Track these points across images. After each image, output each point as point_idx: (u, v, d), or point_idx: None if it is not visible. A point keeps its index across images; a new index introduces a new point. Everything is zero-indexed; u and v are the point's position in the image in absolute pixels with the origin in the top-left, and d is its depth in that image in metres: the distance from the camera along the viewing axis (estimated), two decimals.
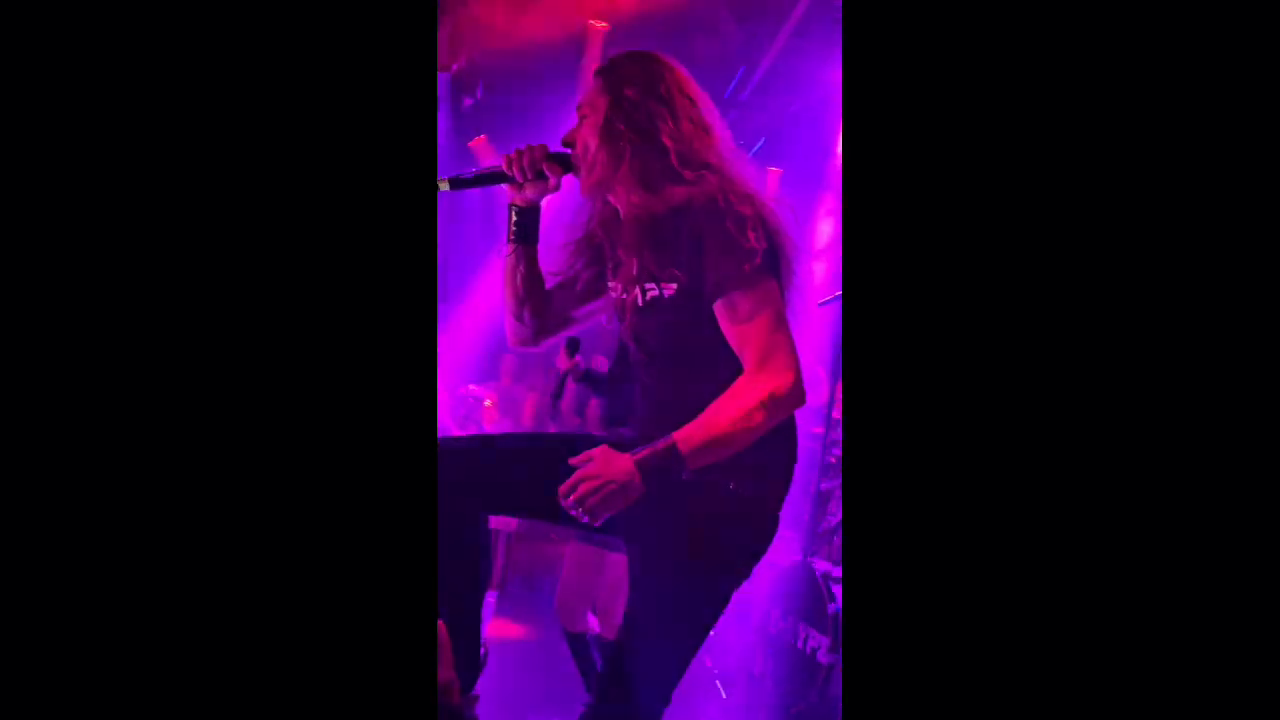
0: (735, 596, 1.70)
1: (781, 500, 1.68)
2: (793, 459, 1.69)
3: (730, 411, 1.53)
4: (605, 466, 1.50)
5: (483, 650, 1.72)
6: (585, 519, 1.50)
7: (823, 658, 3.19)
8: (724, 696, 3.47)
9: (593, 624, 3.02)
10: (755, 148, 6.05)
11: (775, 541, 1.68)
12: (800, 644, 3.32)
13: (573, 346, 2.82)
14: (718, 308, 1.57)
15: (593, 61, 6.48)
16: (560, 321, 1.84)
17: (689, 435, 1.52)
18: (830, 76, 4.91)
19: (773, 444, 1.64)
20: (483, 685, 1.68)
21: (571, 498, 1.49)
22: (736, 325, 1.56)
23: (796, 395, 1.55)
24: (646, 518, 1.64)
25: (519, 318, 1.82)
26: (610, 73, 1.70)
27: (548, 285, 1.82)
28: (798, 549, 3.61)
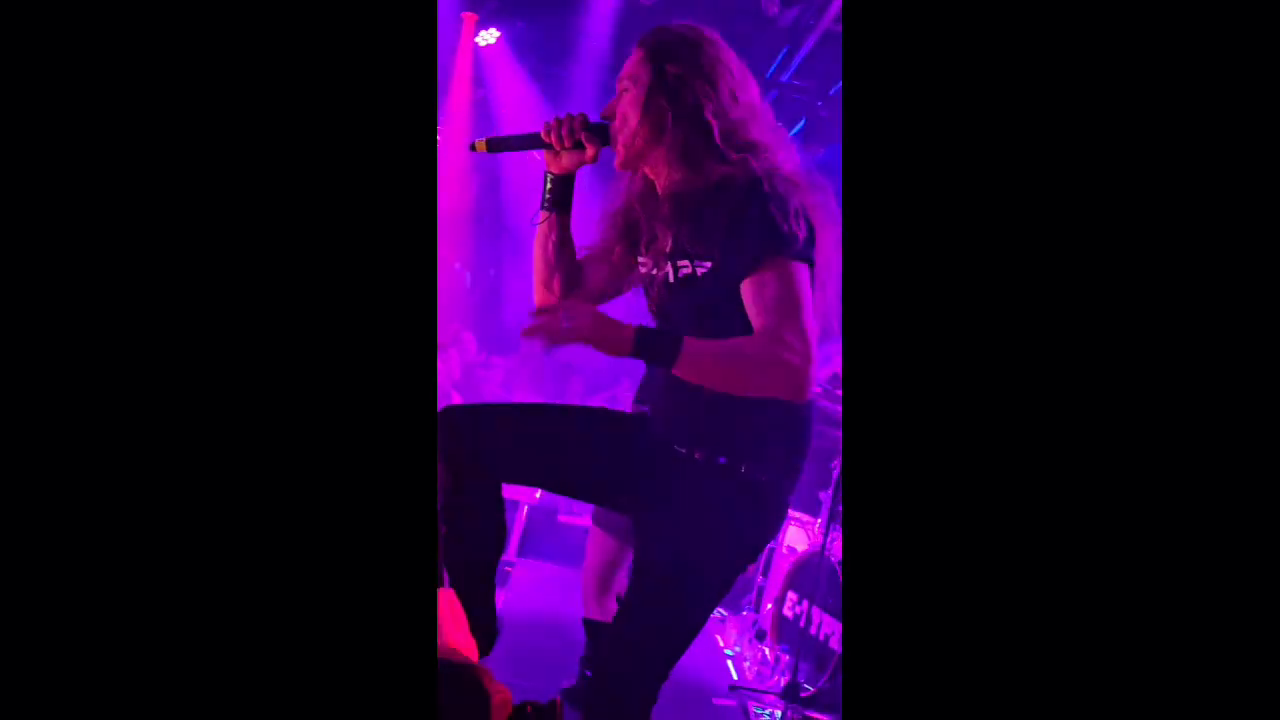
0: (754, 579, 1.70)
1: (793, 487, 1.68)
2: (805, 445, 1.68)
3: (741, 351, 1.50)
4: (570, 317, 1.49)
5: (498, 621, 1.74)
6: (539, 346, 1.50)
7: (836, 645, 3.19)
8: (735, 677, 3.49)
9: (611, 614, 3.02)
10: (796, 129, 6.00)
11: (793, 527, 1.67)
12: (815, 630, 3.33)
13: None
14: (746, 285, 1.54)
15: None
16: (589, 295, 1.84)
17: (695, 344, 1.50)
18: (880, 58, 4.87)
19: (786, 430, 1.64)
20: (494, 656, 1.70)
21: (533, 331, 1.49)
22: (761, 303, 1.52)
23: (797, 385, 1.48)
24: (657, 497, 1.64)
25: (548, 285, 1.82)
26: (654, 46, 1.67)
27: (579, 257, 1.82)
28: (816, 535, 3.61)
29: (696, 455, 1.56)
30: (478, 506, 1.69)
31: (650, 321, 1.77)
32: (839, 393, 3.52)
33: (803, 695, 3.14)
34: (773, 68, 5.70)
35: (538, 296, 1.85)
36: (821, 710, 3.12)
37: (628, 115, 1.66)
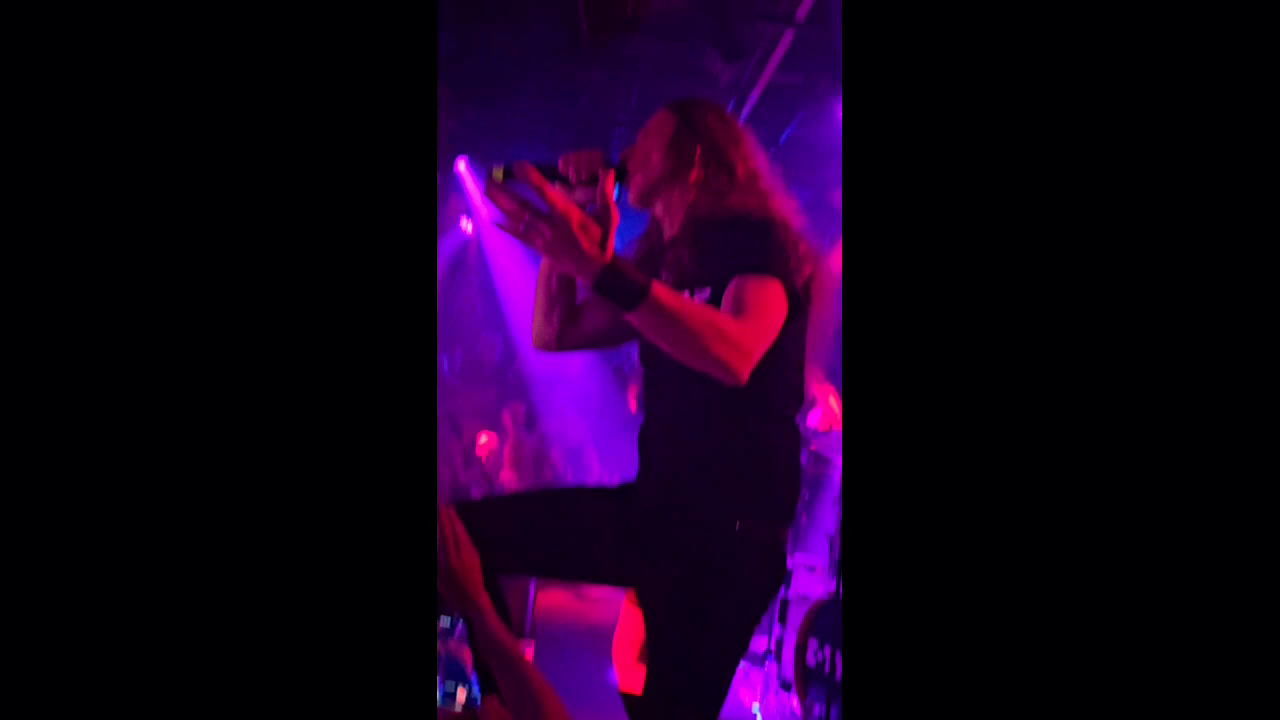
0: (774, 630, 1.69)
1: (787, 533, 1.68)
2: (796, 492, 1.69)
3: (703, 316, 1.48)
4: (550, 219, 1.40)
5: None
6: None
7: None
8: None
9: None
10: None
11: (805, 575, 1.67)
12: (840, 676, 3.29)
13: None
14: (730, 285, 1.56)
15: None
16: (584, 337, 1.85)
17: (663, 291, 1.46)
18: (822, 105, 4.98)
19: (776, 478, 1.65)
20: None
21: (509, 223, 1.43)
22: (733, 295, 1.54)
23: (737, 369, 1.49)
24: (656, 573, 1.64)
25: (547, 317, 1.83)
26: (677, 104, 1.79)
27: (579, 299, 1.84)
28: (829, 579, 3.59)
29: (689, 519, 1.56)
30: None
31: (637, 360, 1.80)
32: (837, 430, 3.53)
33: None
34: None
35: (535, 326, 1.86)
36: None
37: (649, 153, 1.72)
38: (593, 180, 1.69)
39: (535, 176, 1.41)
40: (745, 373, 1.50)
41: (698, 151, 1.72)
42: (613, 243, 1.43)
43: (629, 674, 2.93)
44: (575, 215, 1.39)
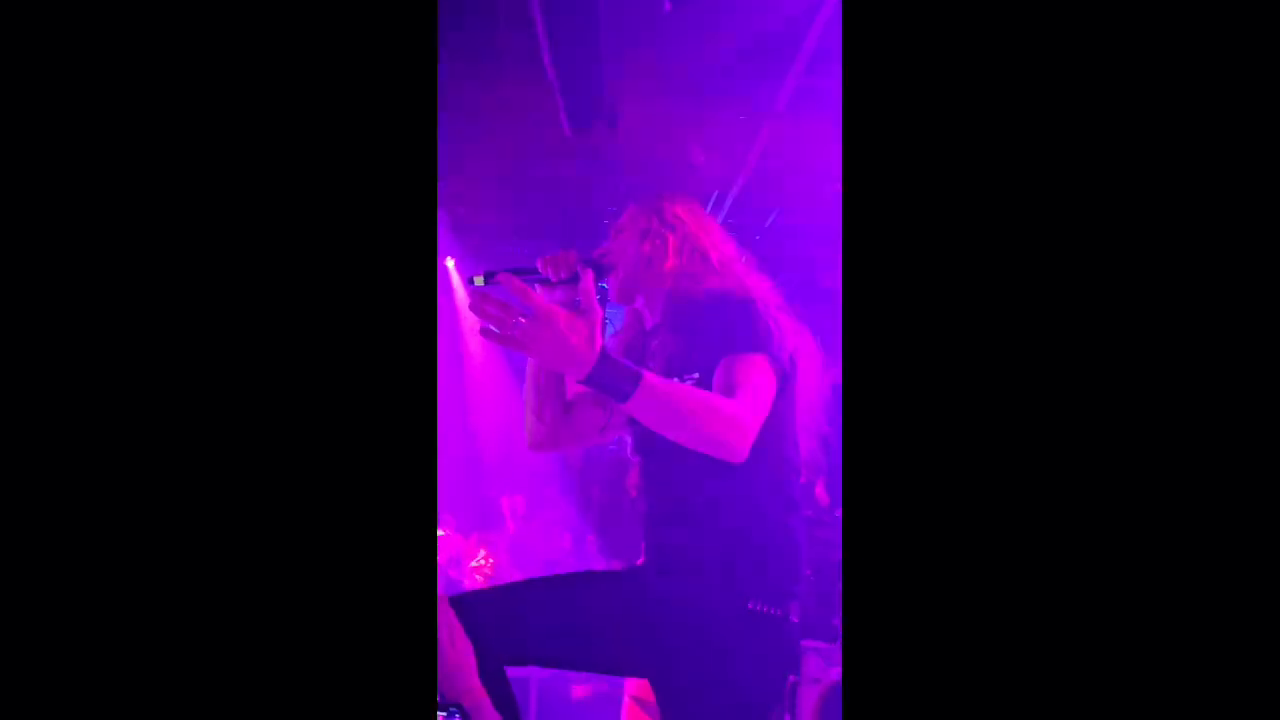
0: (785, 718, 1.67)
1: (799, 609, 1.67)
2: (799, 567, 1.68)
3: (696, 397, 1.52)
4: (532, 322, 1.42)
5: None
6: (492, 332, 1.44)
7: None
8: None
9: None
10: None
11: (814, 658, 1.65)
12: None
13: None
14: (720, 366, 1.61)
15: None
16: (576, 434, 1.86)
17: (655, 379, 1.49)
18: (805, 187, 5.09)
19: (781, 554, 1.65)
20: None
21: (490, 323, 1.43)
22: (724, 375, 1.59)
23: (736, 447, 1.52)
24: (670, 660, 1.62)
25: (539, 415, 1.84)
26: (648, 199, 1.85)
27: (569, 395, 1.86)
28: (835, 661, 3.53)
29: (697, 603, 1.55)
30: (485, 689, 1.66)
31: (631, 451, 1.81)
32: (838, 514, 3.51)
33: None
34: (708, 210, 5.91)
35: (529, 427, 1.87)
36: None
37: (626, 247, 1.76)
38: (573, 279, 1.72)
39: (516, 283, 1.45)
40: (745, 448, 1.53)
41: (671, 241, 1.76)
42: (600, 338, 1.45)
43: None
44: (561, 315, 1.42)
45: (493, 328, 1.45)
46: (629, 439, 1.86)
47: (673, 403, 1.49)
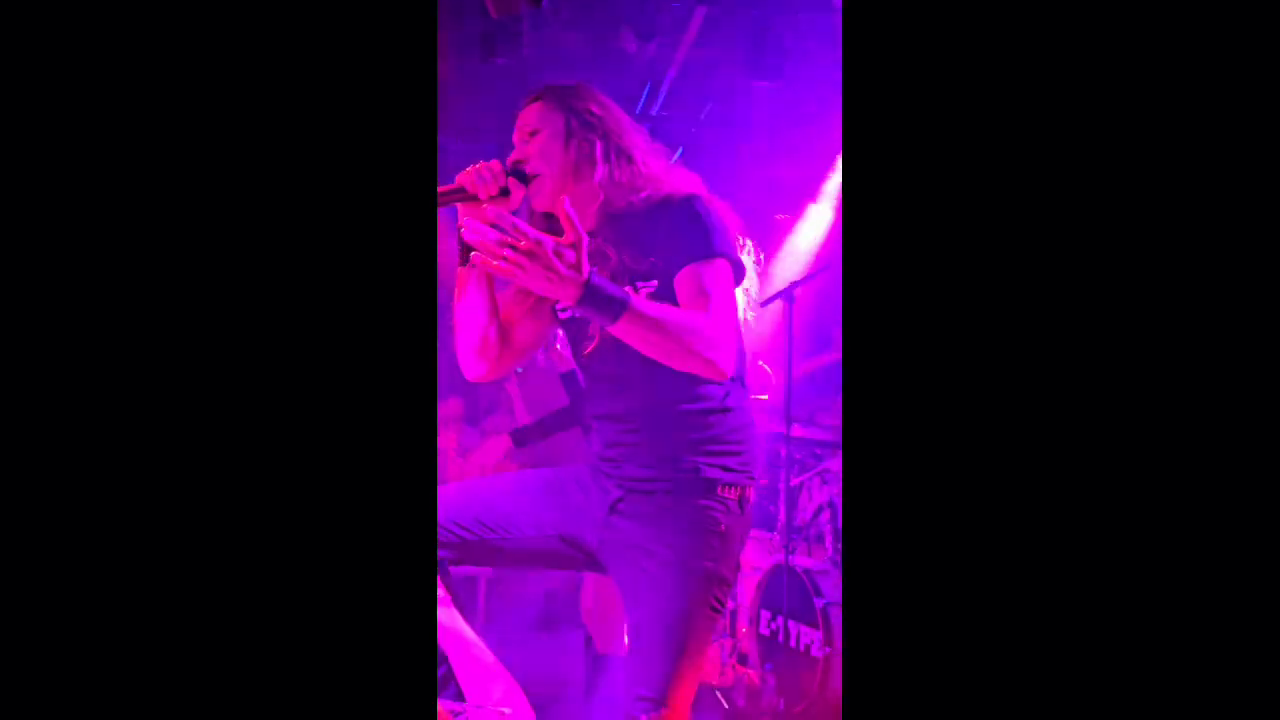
0: (727, 604, 1.71)
1: (753, 490, 1.74)
2: (747, 447, 1.72)
3: (682, 322, 1.54)
4: (523, 244, 1.42)
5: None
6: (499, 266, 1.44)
7: (817, 652, 3.20)
8: (726, 706, 3.47)
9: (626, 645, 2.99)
10: (674, 157, 6.10)
11: (756, 544, 1.69)
12: (794, 642, 3.33)
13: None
14: (680, 277, 1.61)
15: None
16: (518, 353, 1.84)
17: (642, 302, 1.52)
18: (736, 81, 5.00)
19: (736, 433, 1.68)
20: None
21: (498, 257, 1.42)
22: (696, 289, 1.59)
23: (724, 368, 1.55)
24: (628, 544, 1.65)
25: (480, 349, 1.79)
26: (552, 94, 1.75)
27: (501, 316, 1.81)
28: (778, 549, 3.63)
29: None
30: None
31: (567, 373, 1.79)
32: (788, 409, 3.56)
33: (796, 709, 3.14)
34: (640, 104, 5.80)
35: (466, 361, 1.81)
36: None
37: (547, 155, 1.69)
38: (503, 194, 1.67)
39: (504, 215, 1.44)
40: (731, 366, 1.56)
41: (598, 148, 1.70)
42: (586, 262, 1.44)
43: (606, 636, 2.94)
44: (549, 242, 1.43)
45: (482, 258, 1.43)
46: (562, 333, 1.85)
47: (659, 324, 1.51)
